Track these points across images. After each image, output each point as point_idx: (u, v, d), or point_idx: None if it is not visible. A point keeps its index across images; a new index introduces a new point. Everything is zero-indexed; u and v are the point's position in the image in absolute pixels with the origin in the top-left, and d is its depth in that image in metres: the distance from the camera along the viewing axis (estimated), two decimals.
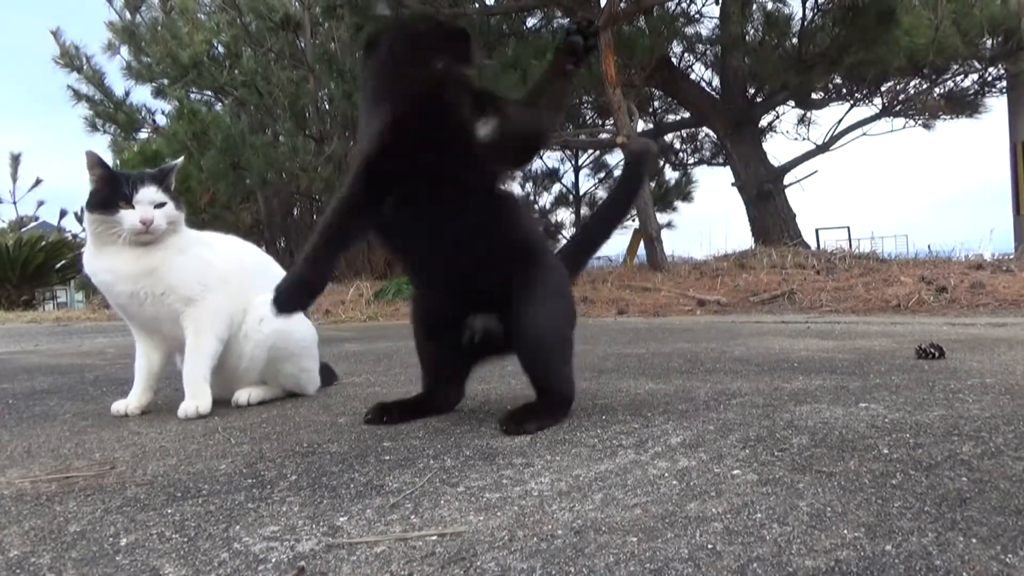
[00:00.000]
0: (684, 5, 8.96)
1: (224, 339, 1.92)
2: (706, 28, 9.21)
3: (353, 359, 3.05)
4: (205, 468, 1.34)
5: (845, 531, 0.91)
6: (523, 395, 1.95)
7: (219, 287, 1.91)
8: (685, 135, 12.10)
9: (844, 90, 8.99)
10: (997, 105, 8.99)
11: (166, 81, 10.63)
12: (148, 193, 1.83)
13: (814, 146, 8.93)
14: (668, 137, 11.90)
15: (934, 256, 6.91)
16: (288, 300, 1.47)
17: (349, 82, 9.09)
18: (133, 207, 1.80)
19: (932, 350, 2.34)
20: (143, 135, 11.55)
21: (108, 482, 1.27)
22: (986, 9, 7.22)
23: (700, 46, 9.47)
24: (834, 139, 8.86)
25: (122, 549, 0.96)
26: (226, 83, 10.34)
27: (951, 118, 8.83)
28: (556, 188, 13.77)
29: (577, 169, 13.52)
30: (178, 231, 1.89)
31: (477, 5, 8.65)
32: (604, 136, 9.21)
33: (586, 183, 14.05)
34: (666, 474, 1.18)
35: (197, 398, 1.85)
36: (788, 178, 8.93)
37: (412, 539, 0.95)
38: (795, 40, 7.85)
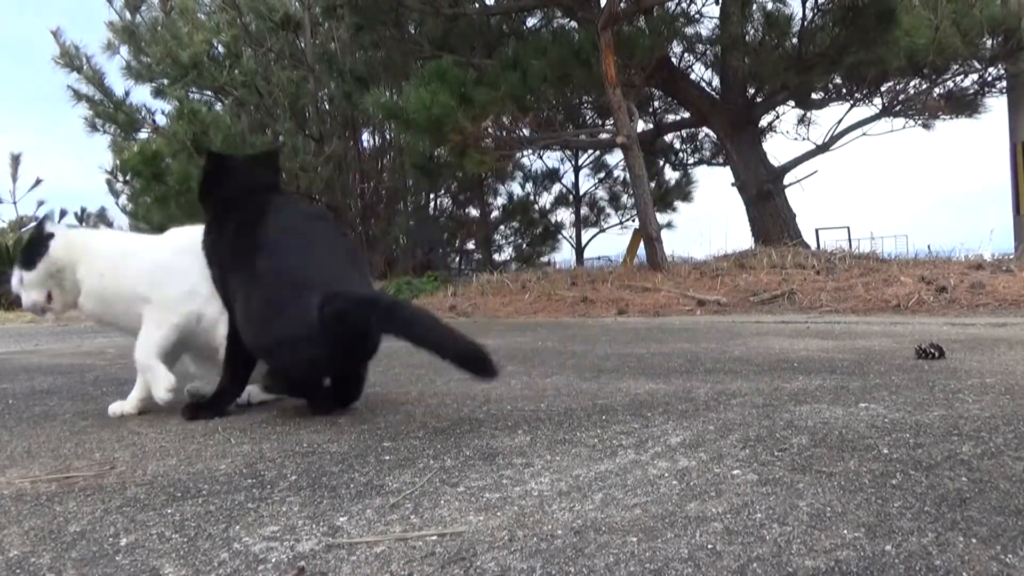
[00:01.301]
0: (684, 5, 8.96)
1: (179, 325, 1.90)
2: (706, 28, 9.20)
3: None
4: (205, 468, 1.34)
5: (845, 531, 0.91)
6: (523, 395, 1.96)
7: (172, 281, 1.92)
8: (685, 135, 12.09)
9: (844, 90, 8.98)
10: (997, 105, 8.99)
11: (166, 81, 10.62)
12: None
13: (814, 146, 8.92)
14: (668, 137, 11.90)
15: (934, 256, 6.90)
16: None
17: (349, 82, 9.08)
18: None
19: (932, 350, 2.34)
20: (143, 135, 11.54)
21: (108, 482, 1.27)
22: (986, 9, 7.21)
23: (700, 46, 9.46)
24: (834, 139, 8.86)
25: (122, 549, 0.96)
26: (226, 83, 10.33)
27: (951, 118, 8.82)
28: (556, 188, 13.78)
29: (577, 169, 13.53)
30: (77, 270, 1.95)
31: (477, 5, 8.64)
32: (604, 136, 9.20)
33: (586, 183, 14.07)
34: (666, 474, 1.18)
35: (150, 378, 1.88)
36: (788, 178, 8.93)
37: (412, 539, 0.95)
38: (795, 40, 7.84)
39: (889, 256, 7.37)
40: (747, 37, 8.23)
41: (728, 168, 9.40)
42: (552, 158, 13.25)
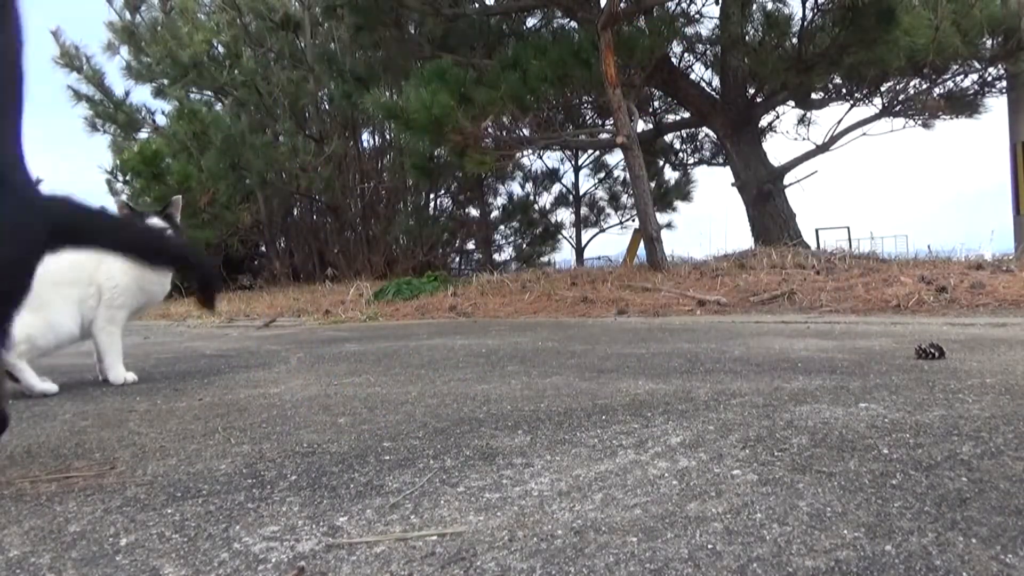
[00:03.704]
0: (684, 5, 8.96)
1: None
2: (706, 28, 9.20)
3: (353, 359, 3.04)
4: (205, 468, 1.34)
5: (845, 531, 0.91)
6: (523, 395, 1.96)
7: None
8: (685, 135, 12.09)
9: (844, 90, 8.97)
10: (997, 105, 8.99)
11: (166, 81, 10.64)
12: None
13: (814, 146, 8.91)
14: (668, 137, 11.90)
15: (934, 256, 6.89)
16: None
17: (349, 82, 9.08)
18: None
19: (932, 350, 2.34)
20: (143, 135, 11.55)
21: (108, 482, 1.27)
22: (986, 9, 7.20)
23: (700, 46, 9.46)
24: (834, 139, 8.85)
25: (122, 549, 0.96)
26: (226, 83, 10.34)
27: (951, 118, 8.81)
28: (556, 188, 13.79)
29: (577, 169, 13.53)
30: None
31: (477, 5, 8.65)
32: (604, 136, 9.21)
33: (586, 183, 14.09)
34: (666, 474, 1.18)
35: None
36: (788, 178, 8.92)
37: (412, 539, 0.95)
38: (795, 40, 7.84)
39: (889, 256, 7.37)
40: (747, 37, 8.22)
41: (728, 168, 9.41)
42: (552, 158, 13.26)
